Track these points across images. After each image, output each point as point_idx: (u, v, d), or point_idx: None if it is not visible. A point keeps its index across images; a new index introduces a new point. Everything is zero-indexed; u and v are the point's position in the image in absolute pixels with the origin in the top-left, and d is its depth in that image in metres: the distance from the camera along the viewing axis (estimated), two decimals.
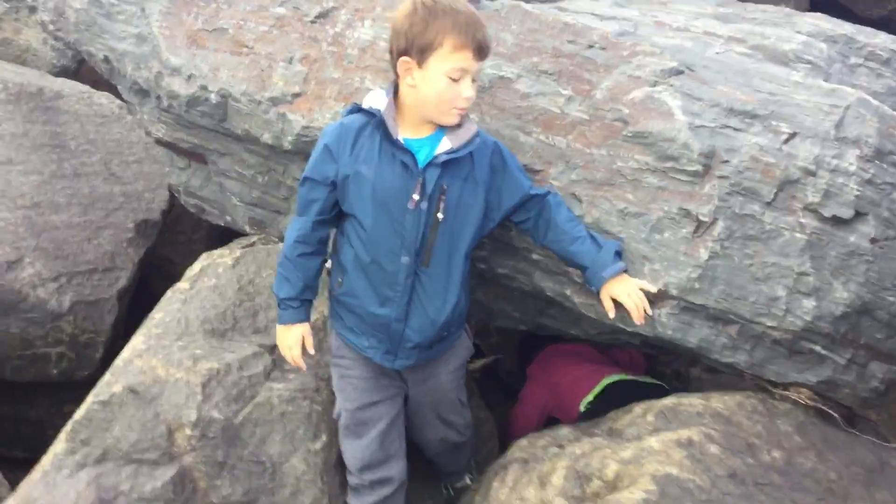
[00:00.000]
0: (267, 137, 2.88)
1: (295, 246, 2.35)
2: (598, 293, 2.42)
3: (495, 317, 2.95)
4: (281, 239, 3.18)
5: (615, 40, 2.64)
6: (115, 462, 2.36)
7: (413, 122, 2.25)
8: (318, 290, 2.48)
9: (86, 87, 4.19)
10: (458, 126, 2.24)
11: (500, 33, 2.74)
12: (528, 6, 2.78)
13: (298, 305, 2.40)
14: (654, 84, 2.51)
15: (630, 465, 2.17)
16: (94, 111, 4.02)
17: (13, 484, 2.87)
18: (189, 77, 2.93)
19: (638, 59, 2.58)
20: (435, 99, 2.18)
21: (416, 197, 2.20)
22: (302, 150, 2.84)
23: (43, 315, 3.31)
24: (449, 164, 2.22)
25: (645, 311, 2.36)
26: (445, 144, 2.23)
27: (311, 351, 2.43)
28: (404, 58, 2.16)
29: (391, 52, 2.22)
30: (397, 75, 2.22)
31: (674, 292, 2.39)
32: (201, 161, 3.30)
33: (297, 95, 2.83)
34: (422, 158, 2.23)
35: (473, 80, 2.19)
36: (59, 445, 2.41)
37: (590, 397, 2.88)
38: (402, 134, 2.23)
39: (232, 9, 2.97)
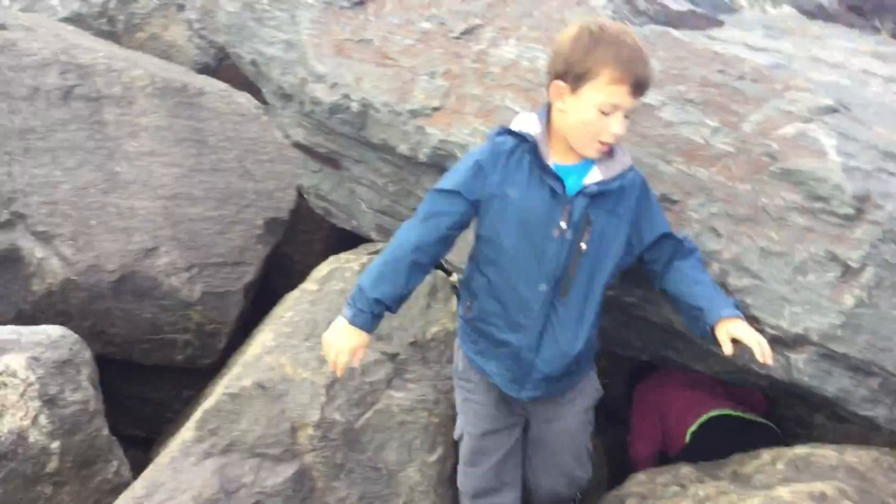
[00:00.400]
0: (403, 148, 2.92)
1: (413, 251, 2.20)
2: (710, 332, 2.27)
3: (616, 345, 2.91)
4: None
5: (767, 73, 2.57)
6: (239, 454, 2.43)
7: (563, 148, 2.22)
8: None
9: (226, 86, 4.35)
10: (611, 156, 2.21)
11: None
12: (678, 33, 2.74)
13: (378, 313, 2.21)
14: (808, 121, 2.43)
15: None
16: (232, 109, 4.17)
17: (131, 461, 3.01)
18: (333, 85, 3.01)
19: (791, 94, 2.50)
20: (580, 128, 2.15)
21: (563, 225, 2.17)
22: (436, 163, 2.87)
23: (174, 303, 3.45)
24: (597, 196, 2.19)
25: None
26: (595, 174, 2.20)
27: (356, 365, 2.33)
28: (558, 81, 2.13)
29: (548, 72, 2.20)
30: (550, 98, 2.21)
31: (814, 338, 2.31)
32: (335, 166, 3.38)
33: (436, 109, 2.86)
34: (570, 186, 2.20)
35: (626, 117, 2.15)
36: (187, 433, 2.51)
37: (694, 427, 2.81)
38: (553, 159, 2.20)
39: (379, 21, 3.03)
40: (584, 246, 2.20)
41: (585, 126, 2.13)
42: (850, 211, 2.30)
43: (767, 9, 3.30)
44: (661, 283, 2.36)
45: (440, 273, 3.06)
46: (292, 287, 3.59)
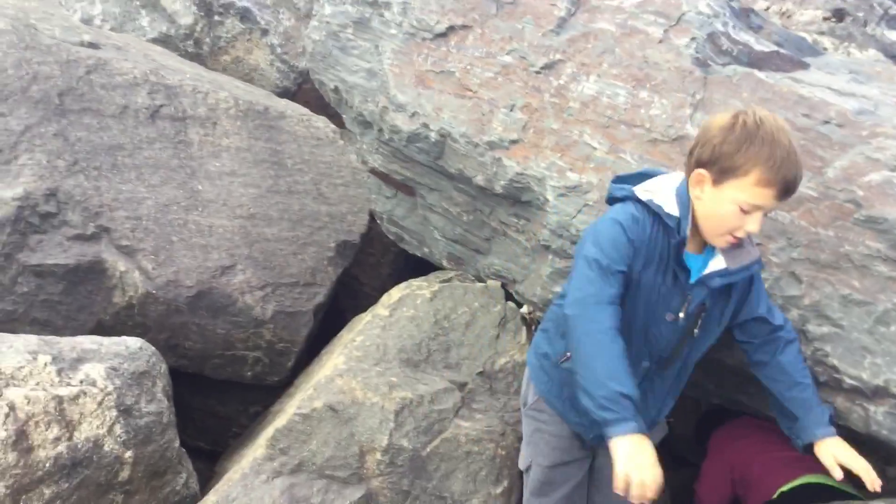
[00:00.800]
0: (479, 179, 2.96)
1: (618, 335, 1.96)
2: (802, 447, 2.25)
3: (688, 387, 2.87)
4: (478, 278, 3.25)
5: (853, 118, 2.53)
6: (308, 474, 2.47)
7: (691, 233, 2.12)
8: None
9: (305, 110, 4.45)
10: (739, 245, 2.14)
11: (729, 99, 2.69)
12: (762, 74, 2.72)
13: (636, 410, 1.92)
14: (894, 169, 2.39)
15: None
16: (311, 133, 4.26)
17: (197, 473, 3.07)
18: (413, 114, 3.06)
19: (878, 141, 2.46)
20: (715, 221, 2.06)
21: (681, 315, 2.13)
22: (512, 195, 2.90)
23: (247, 320, 3.52)
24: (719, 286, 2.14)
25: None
26: (720, 262, 2.14)
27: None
28: (702, 170, 2.04)
29: (691, 152, 2.10)
30: (687, 179, 2.10)
31: (894, 390, 2.25)
32: (409, 193, 3.43)
33: (514, 142, 2.89)
34: (693, 272, 2.14)
35: (765, 215, 2.09)
36: (259, 450, 2.56)
37: (786, 487, 2.75)
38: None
39: (460, 53, 3.08)
40: (696, 332, 2.18)
41: (721, 220, 2.04)
42: None
43: (853, 51, 3.26)
44: (757, 370, 2.31)
45: (510, 304, 3.07)
46: (359, 309, 3.64)
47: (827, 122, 2.55)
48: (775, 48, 2.92)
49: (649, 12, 2.91)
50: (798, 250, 2.43)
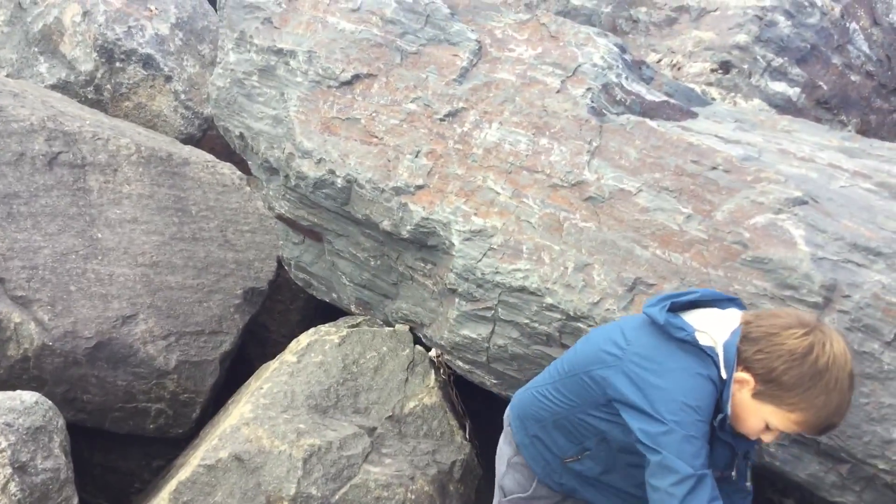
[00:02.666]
0: (386, 224, 2.99)
1: None
2: None
3: None
4: (386, 323, 3.26)
5: (739, 164, 2.68)
6: None
7: None
8: None
9: (210, 156, 4.42)
10: None
11: (623, 147, 2.81)
12: (654, 123, 2.86)
13: None
14: (778, 211, 2.53)
15: None
16: (216, 179, 4.23)
17: None
18: (319, 161, 3.08)
19: (762, 185, 2.61)
20: (740, 423, 1.95)
21: (733, 473, 2.06)
22: (418, 240, 2.94)
23: (150, 371, 3.44)
24: None
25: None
26: None
27: None
28: (748, 376, 1.89)
29: (745, 336, 1.92)
30: (735, 378, 1.91)
31: None
32: (316, 239, 3.43)
33: (419, 187, 2.94)
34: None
35: None
36: None
37: None
38: None
39: (366, 101, 3.13)
40: (749, 485, 2.11)
41: (743, 423, 1.94)
42: (819, 300, 2.38)
43: (738, 101, 3.46)
44: None
45: (419, 348, 3.09)
46: (268, 357, 3.60)
47: (714, 168, 2.69)
48: (666, 98, 3.07)
49: (547, 63, 3.03)
50: None
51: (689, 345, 1.93)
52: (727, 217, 2.58)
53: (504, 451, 2.43)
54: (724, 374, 1.90)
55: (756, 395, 1.88)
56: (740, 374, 1.89)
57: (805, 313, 2.07)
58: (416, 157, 2.98)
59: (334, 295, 3.51)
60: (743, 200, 2.60)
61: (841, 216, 2.51)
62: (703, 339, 1.93)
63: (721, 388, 1.91)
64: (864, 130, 3.64)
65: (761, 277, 2.47)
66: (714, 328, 1.95)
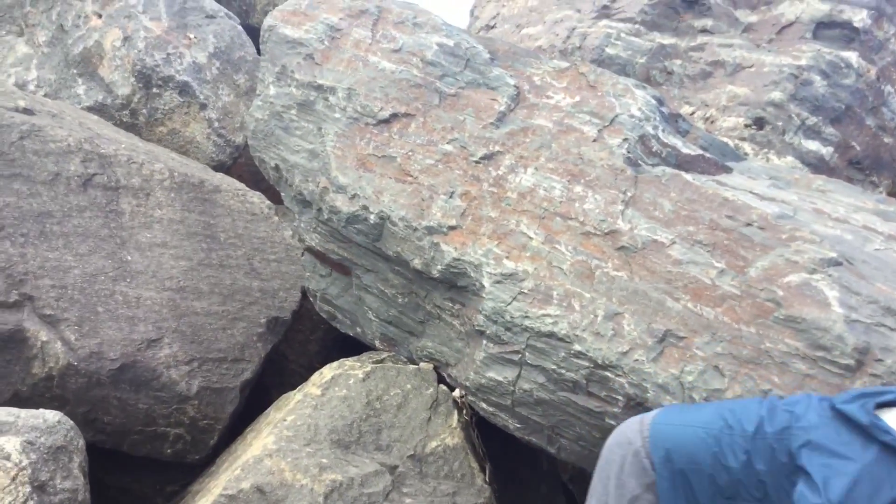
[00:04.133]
0: (417, 263, 3.00)
1: None
2: None
3: None
4: (410, 360, 3.26)
5: (774, 222, 2.69)
6: None
7: None
8: None
9: (241, 185, 4.45)
10: None
11: (658, 199, 2.83)
12: (689, 176, 2.88)
13: None
14: (813, 272, 2.53)
15: None
16: (245, 208, 4.26)
17: None
18: (353, 196, 3.11)
19: (797, 245, 2.61)
20: None
21: None
22: (448, 280, 2.95)
23: (171, 395, 3.44)
24: None
25: None
26: None
27: None
28: None
29: None
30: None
31: None
32: (344, 273, 3.45)
33: (452, 228, 2.96)
34: None
35: None
36: None
37: None
38: None
39: (402, 140, 3.16)
40: None
41: None
42: (851, 362, 2.37)
43: (772, 158, 3.47)
44: None
45: (443, 387, 3.09)
46: (285, 385, 3.61)
47: (749, 225, 2.70)
48: (701, 152, 3.09)
49: (584, 112, 3.06)
50: (722, 345, 2.53)
51: (888, 450, 1.91)
52: (761, 274, 2.59)
53: (628, 485, 2.25)
54: None
55: None
56: None
57: None
58: (451, 197, 3.01)
59: (359, 329, 3.51)
60: (777, 258, 2.60)
61: (875, 279, 2.51)
62: None
63: None
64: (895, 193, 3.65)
65: (793, 337, 2.46)
66: None
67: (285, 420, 2.82)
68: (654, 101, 3.12)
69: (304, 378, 3.42)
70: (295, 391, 3.26)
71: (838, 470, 1.91)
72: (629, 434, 2.30)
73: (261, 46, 3.58)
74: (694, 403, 2.45)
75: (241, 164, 5.39)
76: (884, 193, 3.58)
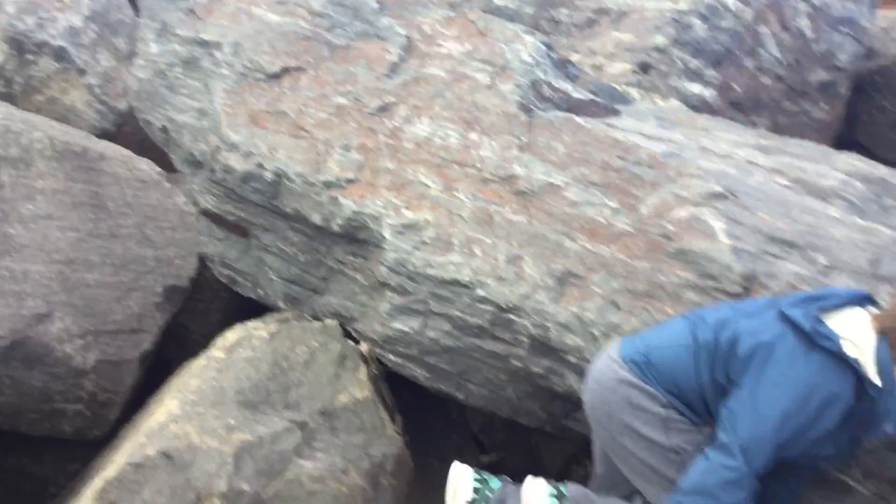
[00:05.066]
0: (316, 218, 2.97)
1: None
2: None
3: (520, 415, 2.98)
4: (315, 318, 3.24)
5: (663, 160, 2.77)
6: None
7: None
8: None
9: (128, 152, 4.28)
10: None
11: (552, 142, 2.87)
12: (580, 119, 2.93)
13: None
14: (699, 205, 2.63)
15: None
16: (134, 175, 4.11)
17: None
18: (247, 154, 3.04)
19: (684, 180, 2.70)
20: None
21: None
22: (349, 234, 2.93)
23: (66, 371, 3.31)
24: None
25: None
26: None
27: None
28: None
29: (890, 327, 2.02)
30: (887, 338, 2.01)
31: None
32: (242, 234, 3.38)
33: (350, 181, 2.94)
34: None
35: None
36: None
37: None
38: None
39: (294, 94, 3.10)
40: None
41: None
42: (739, 290, 2.48)
43: (657, 101, 3.57)
44: None
45: (349, 342, 3.08)
46: (186, 358, 3.52)
47: (639, 164, 2.77)
48: (591, 96, 3.15)
49: (476, 60, 3.07)
50: (617, 281, 2.60)
51: (831, 356, 1.98)
52: (652, 211, 2.67)
53: (653, 411, 2.17)
54: (878, 382, 1.97)
55: None
56: None
57: None
58: (347, 150, 2.98)
59: (261, 291, 3.46)
60: (666, 195, 2.69)
61: (758, 210, 2.63)
62: (849, 349, 1.99)
63: (867, 396, 1.98)
64: (774, 132, 3.80)
65: (684, 268, 2.56)
66: (855, 335, 2.00)
67: (189, 384, 2.76)
68: (543, 47, 3.15)
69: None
70: (197, 358, 3.18)
71: (773, 384, 1.97)
72: (615, 378, 2.22)
73: (138, 2, 3.43)
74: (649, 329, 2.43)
75: (126, 134, 5.17)
76: (765, 131, 3.73)
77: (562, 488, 2.33)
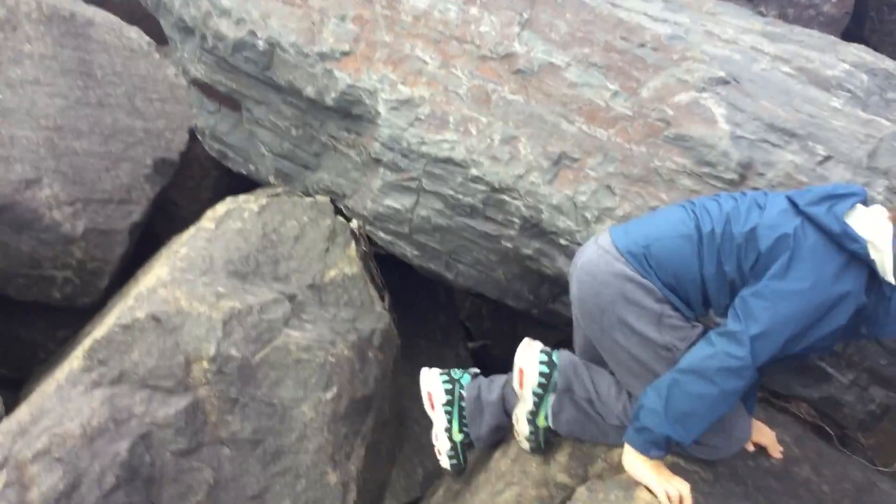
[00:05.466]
0: (310, 91, 2.91)
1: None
2: None
3: (508, 297, 3.00)
4: (306, 195, 3.21)
5: (667, 43, 2.71)
6: (130, 385, 2.38)
7: None
8: None
9: (116, 19, 4.16)
10: None
11: (554, 20, 2.79)
12: None
13: None
14: (702, 90, 2.58)
15: None
16: (123, 44, 4.00)
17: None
18: (238, 21, 2.95)
19: (687, 64, 2.65)
20: None
21: None
22: (343, 108, 2.88)
23: (55, 237, 3.30)
24: None
25: None
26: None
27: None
28: None
29: None
30: (855, 240, 1.97)
31: None
32: (233, 107, 3.31)
33: (345, 54, 2.86)
34: None
35: None
36: (75, 362, 2.43)
37: None
38: None
39: None
40: None
41: None
42: (735, 177, 2.46)
43: None
44: None
45: (340, 219, 3.07)
46: (176, 233, 3.50)
47: (643, 46, 2.71)
48: None
49: None
50: (614, 165, 2.58)
51: (853, 257, 1.97)
52: (652, 94, 2.62)
53: (648, 307, 2.13)
54: (893, 282, 1.97)
55: None
56: None
57: None
58: (343, 21, 2.89)
59: (251, 167, 3.42)
60: (668, 78, 2.64)
61: (760, 97, 2.59)
62: (872, 252, 1.97)
63: (879, 294, 2.00)
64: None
65: (681, 154, 2.53)
66: (876, 236, 1.98)
67: (178, 252, 2.75)
68: None
69: None
70: (187, 230, 3.17)
71: (794, 281, 1.96)
72: (610, 271, 2.15)
73: None
74: (639, 218, 2.38)
75: (114, 2, 5.01)
76: (773, 19, 3.63)
77: (553, 356, 2.34)
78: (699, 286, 2.12)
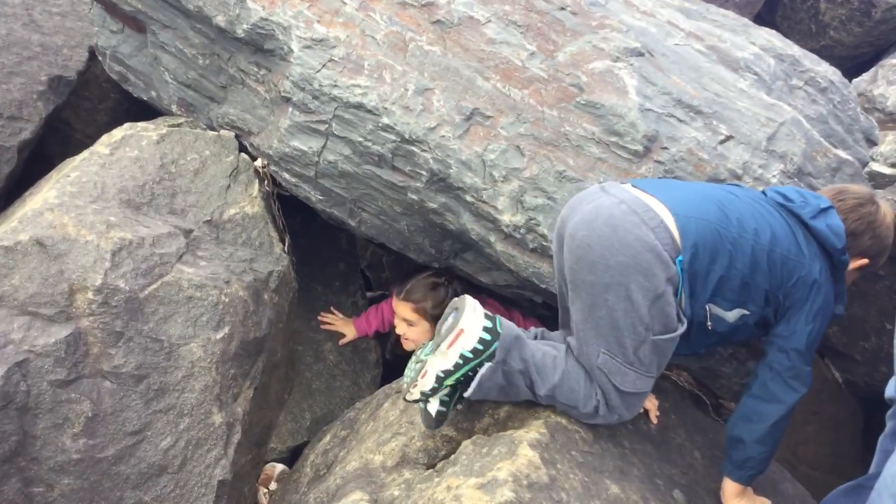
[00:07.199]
0: (220, 20, 2.79)
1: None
2: None
3: (410, 250, 3.00)
4: (210, 128, 3.11)
5: (587, 8, 2.72)
6: (8, 310, 2.27)
7: None
8: None
9: None
10: None
11: None
12: None
13: None
14: (616, 60, 2.61)
15: (523, 410, 2.29)
16: None
17: None
18: None
19: (605, 32, 2.67)
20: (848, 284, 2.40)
21: None
22: (254, 42, 2.78)
23: None
24: None
25: None
26: None
27: None
28: (865, 262, 2.37)
29: (852, 233, 2.30)
30: (844, 251, 2.28)
31: None
32: (138, 29, 3.16)
33: None
34: None
35: None
36: None
37: None
38: None
39: None
40: None
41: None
42: (640, 148, 2.51)
43: None
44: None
45: (244, 156, 2.98)
46: (69, 156, 3.34)
47: (563, 9, 2.71)
48: None
49: None
50: (525, 126, 2.59)
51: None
52: (568, 59, 2.63)
53: (657, 278, 2.07)
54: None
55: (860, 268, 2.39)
56: (856, 261, 2.35)
57: (858, 187, 2.41)
58: None
59: (153, 93, 3.28)
60: (585, 44, 2.65)
61: (671, 72, 2.63)
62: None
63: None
64: None
65: (591, 122, 2.56)
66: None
67: (69, 176, 2.62)
68: None
69: None
70: (80, 154, 3.02)
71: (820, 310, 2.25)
72: (638, 237, 2.07)
73: None
74: (664, 181, 2.41)
75: None
76: None
77: (497, 324, 2.18)
78: (728, 276, 2.16)
